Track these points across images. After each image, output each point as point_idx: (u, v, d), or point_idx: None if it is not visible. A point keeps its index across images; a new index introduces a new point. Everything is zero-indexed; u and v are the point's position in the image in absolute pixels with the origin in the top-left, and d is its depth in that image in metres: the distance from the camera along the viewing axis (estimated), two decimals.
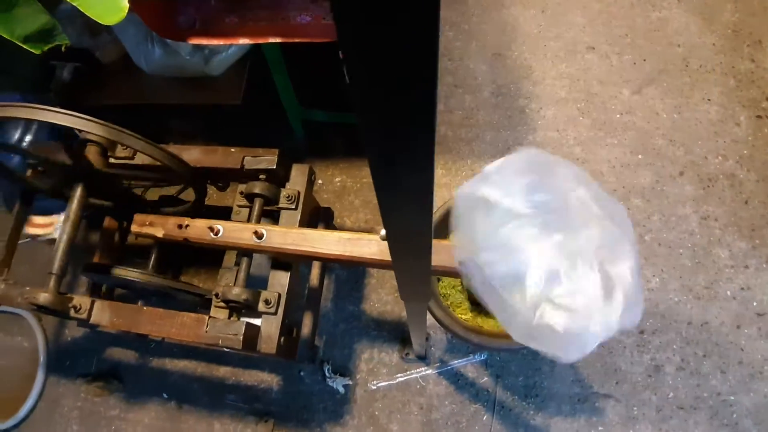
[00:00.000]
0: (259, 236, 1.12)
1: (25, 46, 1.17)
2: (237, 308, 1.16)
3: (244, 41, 1.14)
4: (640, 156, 1.63)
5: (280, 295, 1.18)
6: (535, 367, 1.48)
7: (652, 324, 1.47)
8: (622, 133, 1.66)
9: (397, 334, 1.56)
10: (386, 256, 0.82)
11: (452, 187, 1.68)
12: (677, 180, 1.60)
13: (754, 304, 1.45)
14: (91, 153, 1.20)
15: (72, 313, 1.16)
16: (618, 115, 1.69)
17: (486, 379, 1.49)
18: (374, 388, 1.52)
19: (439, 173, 1.68)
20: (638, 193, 1.60)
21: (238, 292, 1.13)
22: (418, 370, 1.52)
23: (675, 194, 1.59)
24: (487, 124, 1.75)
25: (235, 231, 1.15)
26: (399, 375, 1.52)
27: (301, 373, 1.57)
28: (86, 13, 0.96)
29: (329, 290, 1.62)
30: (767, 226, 1.53)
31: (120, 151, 1.26)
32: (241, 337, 1.09)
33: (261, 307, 1.16)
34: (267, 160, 1.23)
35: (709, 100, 1.66)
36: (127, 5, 0.95)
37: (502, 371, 1.49)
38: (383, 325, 1.58)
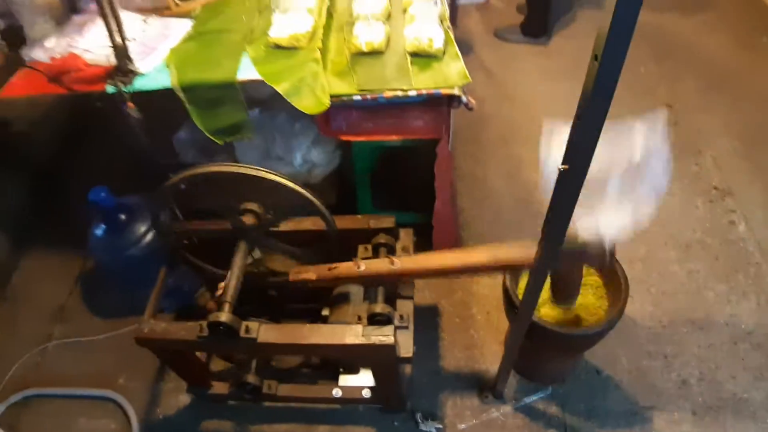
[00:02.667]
0: (393, 263, 1.50)
1: (213, 138, 1.63)
2: (379, 322, 1.48)
3: (377, 138, 1.65)
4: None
5: (409, 314, 1.52)
6: (592, 394, 1.81)
7: (672, 350, 1.89)
8: None
9: (473, 383, 1.87)
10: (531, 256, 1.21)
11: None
12: (663, 248, 2.15)
13: (743, 326, 1.93)
14: (248, 218, 1.59)
15: (243, 333, 1.44)
16: None
17: (554, 409, 1.80)
18: (462, 427, 1.78)
19: None
20: (638, 260, 2.11)
21: (383, 308, 1.47)
22: (497, 409, 1.80)
23: (665, 258, 2.12)
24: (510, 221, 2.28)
25: (374, 264, 1.52)
26: (483, 414, 1.79)
27: (395, 423, 1.81)
28: (296, 106, 1.45)
29: None
30: (737, 273, 2.07)
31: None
32: (392, 337, 1.41)
33: (397, 321, 1.50)
34: (387, 221, 1.67)
35: (674, 194, 2.32)
36: (329, 102, 1.45)
37: (566, 400, 1.81)
38: (460, 377, 1.90)
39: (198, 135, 2.15)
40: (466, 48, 3.15)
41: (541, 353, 1.74)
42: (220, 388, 1.79)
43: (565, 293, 1.45)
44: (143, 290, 1.68)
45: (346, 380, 1.77)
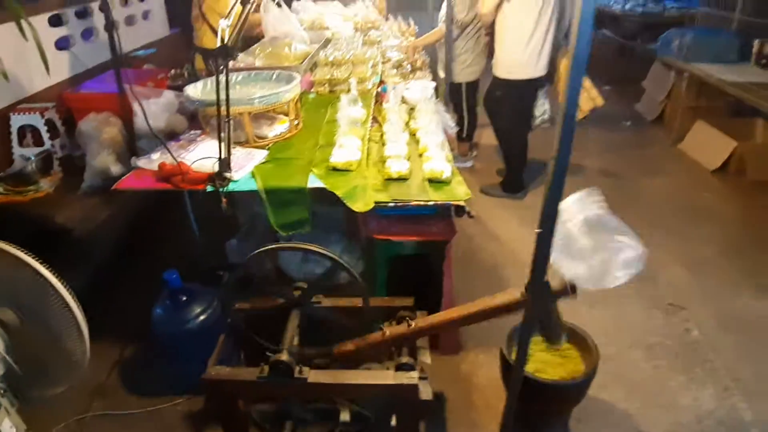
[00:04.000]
0: (410, 325, 1.92)
1: (279, 230, 2.14)
2: (404, 369, 1.85)
3: (402, 238, 2.18)
4: (604, 338, 2.60)
5: (427, 371, 1.91)
6: None
7: (644, 428, 2.22)
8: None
9: None
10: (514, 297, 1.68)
11: None
12: (630, 349, 2.58)
13: (704, 408, 2.30)
14: (300, 294, 2.03)
15: (296, 373, 1.80)
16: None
17: None
18: None
19: None
20: (609, 358, 2.51)
21: (407, 359, 1.86)
22: None
23: (632, 356, 2.54)
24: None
25: (396, 329, 1.93)
26: None
27: None
28: (350, 206, 1.99)
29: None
30: (695, 367, 2.48)
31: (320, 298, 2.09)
32: (416, 379, 1.78)
33: (419, 372, 1.87)
34: (408, 300, 2.11)
35: (636, 308, 2.81)
36: (372, 204, 2.00)
37: None
38: None
39: (244, 244, 2.68)
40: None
41: (535, 416, 2.07)
42: None
43: (552, 332, 1.82)
44: (191, 366, 2.03)
45: None
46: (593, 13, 1.18)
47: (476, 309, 1.80)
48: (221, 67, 1.89)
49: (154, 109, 2.77)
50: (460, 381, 2.48)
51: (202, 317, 2.30)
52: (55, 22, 3.24)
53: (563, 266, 1.56)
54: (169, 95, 2.88)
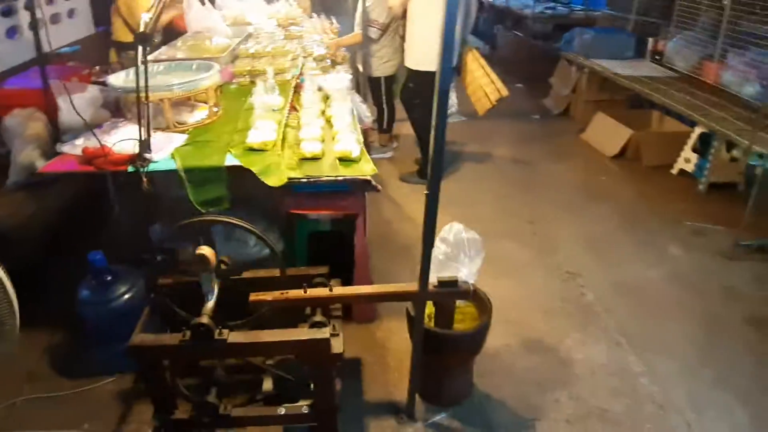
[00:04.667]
0: (331, 290, 2.11)
1: (200, 207, 2.27)
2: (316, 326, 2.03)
3: (316, 212, 2.36)
4: (507, 304, 2.87)
5: (339, 328, 2.09)
6: (484, 413, 2.33)
7: (543, 378, 2.50)
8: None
9: (391, 409, 2.34)
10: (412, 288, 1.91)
11: None
12: (531, 312, 2.86)
13: (597, 361, 2.60)
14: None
15: (217, 335, 1.94)
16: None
17: (456, 424, 2.27)
18: None
19: None
20: (511, 322, 2.78)
21: (320, 318, 2.05)
22: (411, 427, 2.28)
23: (533, 318, 2.82)
24: None
25: (317, 290, 2.12)
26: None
27: None
28: (265, 181, 2.15)
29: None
30: (589, 326, 2.78)
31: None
32: (328, 334, 1.96)
33: (330, 330, 2.06)
34: (322, 269, 2.29)
35: (537, 277, 3.09)
36: (286, 180, 2.17)
37: (465, 418, 2.30)
38: (380, 406, 2.35)
39: (167, 229, 2.78)
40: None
41: (439, 369, 2.30)
42: (182, 413, 2.18)
43: (442, 321, 2.08)
44: (118, 345, 2.13)
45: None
46: None
47: (383, 291, 2.06)
48: (141, 54, 2.01)
49: (79, 103, 2.81)
50: (376, 347, 2.68)
51: (126, 296, 2.39)
52: None
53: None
54: (93, 90, 2.92)
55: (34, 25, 2.47)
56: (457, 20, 1.64)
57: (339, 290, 2.12)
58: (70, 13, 4.26)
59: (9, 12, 3.51)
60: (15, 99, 2.95)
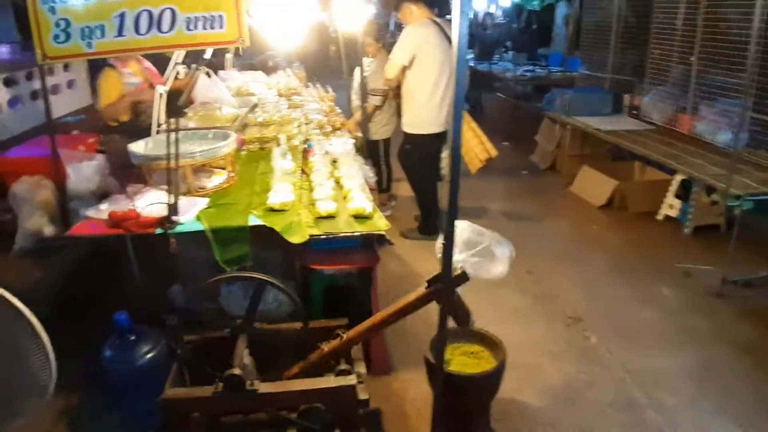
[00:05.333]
0: (342, 338, 2.21)
1: (224, 265, 2.39)
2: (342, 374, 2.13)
3: (333, 267, 2.49)
4: (514, 351, 2.98)
5: (363, 376, 2.19)
6: None
7: (557, 417, 2.59)
8: None
9: None
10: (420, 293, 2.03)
11: None
12: (538, 356, 2.96)
13: (605, 397, 2.70)
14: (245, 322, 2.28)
15: (248, 386, 2.02)
16: None
17: None
18: None
19: None
20: (520, 366, 2.88)
21: (345, 366, 2.14)
22: None
23: (540, 362, 2.92)
24: None
25: (332, 343, 2.22)
26: None
27: None
28: (287, 239, 2.29)
29: None
30: (594, 367, 2.88)
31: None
32: (354, 380, 2.06)
33: (356, 377, 2.15)
34: (342, 320, 2.40)
35: (540, 323, 3.21)
36: (308, 237, 2.31)
37: None
38: None
39: (185, 289, 2.88)
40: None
41: (459, 413, 2.37)
42: None
43: (460, 317, 2.17)
44: (141, 404, 2.19)
45: None
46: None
47: (393, 309, 2.15)
48: (172, 124, 2.18)
49: (87, 171, 2.98)
50: (394, 397, 2.75)
51: (150, 355, 2.46)
52: None
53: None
54: (100, 158, 3.09)
55: (44, 94, 2.65)
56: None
57: (351, 333, 2.22)
58: (70, 84, 4.49)
59: (11, 82, 3.70)
60: (23, 167, 3.08)
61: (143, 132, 2.97)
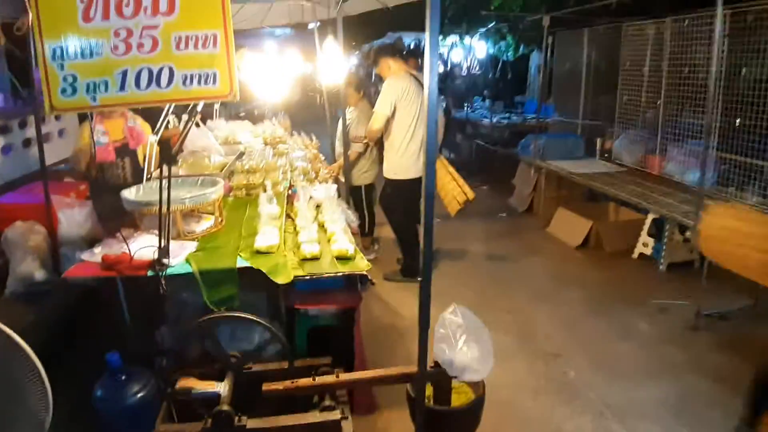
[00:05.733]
0: (338, 376, 2.30)
1: (212, 306, 2.48)
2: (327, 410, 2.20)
3: (317, 307, 2.59)
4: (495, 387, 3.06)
5: (347, 412, 2.26)
6: None
7: None
8: None
9: None
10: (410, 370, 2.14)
11: None
12: (520, 392, 3.05)
13: (582, 430, 2.76)
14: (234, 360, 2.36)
15: (236, 422, 2.09)
16: None
17: None
18: None
19: None
20: (503, 403, 2.96)
21: (330, 401, 2.22)
22: None
23: (522, 397, 3.00)
24: None
25: (324, 378, 2.31)
26: None
27: None
28: (274, 279, 2.40)
29: None
30: (574, 401, 2.97)
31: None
32: (339, 415, 2.13)
33: (340, 413, 2.22)
34: (326, 359, 2.49)
35: (520, 360, 3.30)
36: (292, 278, 2.42)
37: None
38: None
39: (173, 330, 2.95)
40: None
41: None
42: None
43: (441, 398, 2.29)
44: None
45: None
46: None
47: (384, 374, 2.27)
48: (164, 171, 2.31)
49: (78, 218, 3.08)
50: None
51: (140, 394, 2.51)
52: None
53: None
54: (89, 205, 3.20)
55: (39, 142, 2.80)
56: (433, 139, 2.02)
57: (345, 376, 2.32)
58: (60, 133, 4.61)
59: (5, 130, 3.83)
60: (17, 213, 3.15)
61: (112, 189, 3.08)
